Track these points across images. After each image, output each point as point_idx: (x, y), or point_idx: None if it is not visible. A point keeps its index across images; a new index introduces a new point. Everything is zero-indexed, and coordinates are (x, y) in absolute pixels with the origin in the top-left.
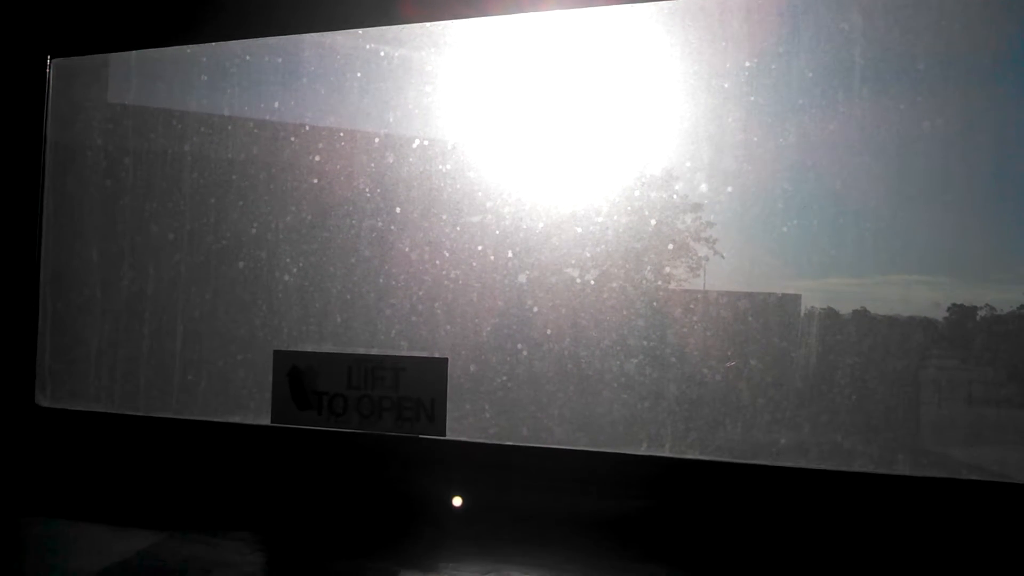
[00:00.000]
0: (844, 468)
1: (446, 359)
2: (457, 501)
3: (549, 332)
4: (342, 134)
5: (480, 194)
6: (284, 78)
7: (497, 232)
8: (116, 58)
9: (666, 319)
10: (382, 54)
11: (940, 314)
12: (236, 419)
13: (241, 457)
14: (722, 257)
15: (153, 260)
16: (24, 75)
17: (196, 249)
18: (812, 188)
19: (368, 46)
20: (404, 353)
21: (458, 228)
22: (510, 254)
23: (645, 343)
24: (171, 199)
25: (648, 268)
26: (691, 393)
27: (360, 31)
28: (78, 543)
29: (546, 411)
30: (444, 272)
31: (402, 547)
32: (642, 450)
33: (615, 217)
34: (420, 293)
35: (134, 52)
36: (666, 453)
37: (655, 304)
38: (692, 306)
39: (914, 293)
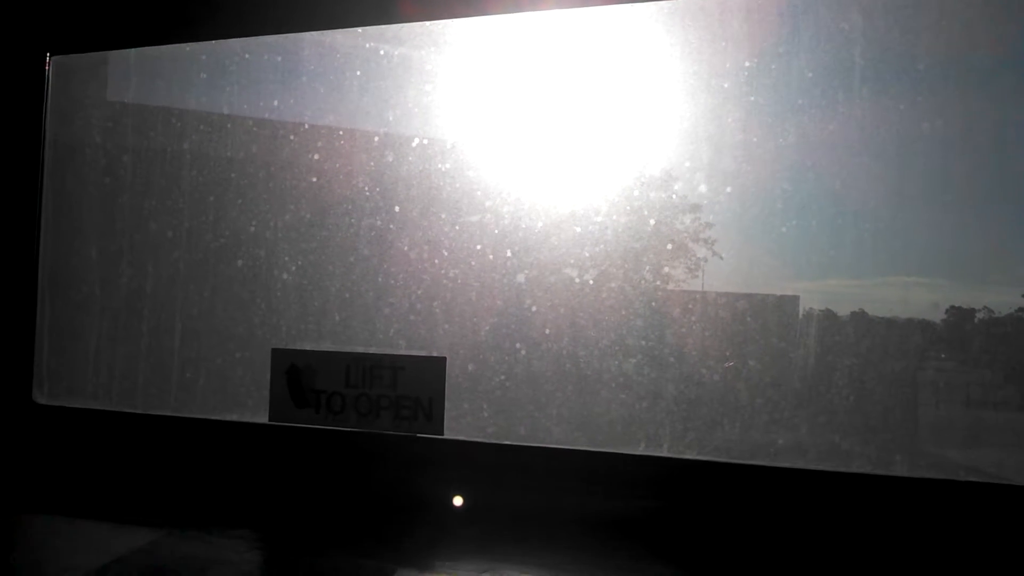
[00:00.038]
0: (842, 469)
1: (444, 358)
2: (458, 501)
3: (548, 332)
4: (341, 133)
5: (479, 193)
6: (283, 76)
7: (496, 231)
8: (115, 56)
9: (665, 319)
10: (382, 53)
11: (938, 316)
12: (234, 417)
13: (239, 455)
14: (721, 258)
15: (152, 258)
16: (23, 72)
17: (195, 247)
18: (811, 189)
19: (368, 45)
20: (402, 352)
21: (457, 227)
22: (509, 253)
23: (643, 343)
24: (170, 197)
25: (647, 268)
26: (689, 393)
27: (360, 30)
28: (76, 540)
29: (544, 410)
30: (443, 271)
31: (399, 545)
32: (640, 450)
33: (614, 217)
34: (419, 292)
35: (133, 50)
36: (664, 453)
37: (654, 304)
38: (691, 306)
39: (912, 295)
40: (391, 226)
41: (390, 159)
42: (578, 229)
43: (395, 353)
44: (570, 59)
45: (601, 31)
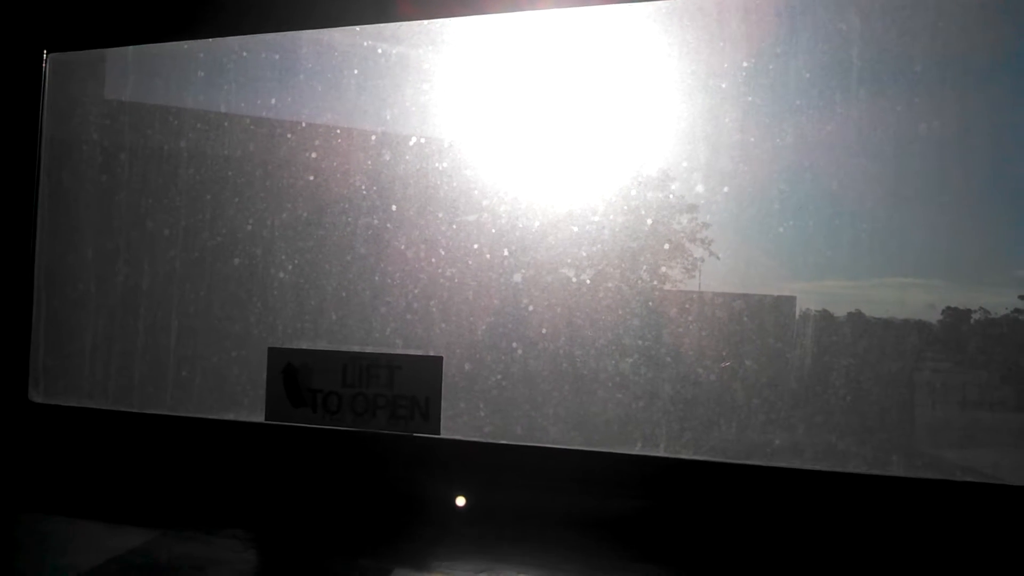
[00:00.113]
0: (838, 469)
1: (441, 357)
2: (460, 501)
3: (544, 331)
4: (339, 131)
5: (476, 192)
6: (281, 75)
7: (493, 231)
8: (113, 53)
9: (661, 319)
10: (379, 51)
11: (935, 316)
12: (230, 416)
13: (235, 454)
14: (718, 258)
15: (148, 256)
16: (20, 70)
17: (191, 245)
18: (808, 189)
19: (365, 43)
20: (399, 351)
21: (454, 226)
22: (506, 252)
23: (640, 343)
24: (167, 195)
25: (644, 268)
26: (686, 393)
27: (358, 28)
28: (72, 540)
29: (541, 410)
30: (440, 270)
31: (396, 545)
32: (637, 450)
33: (611, 217)
34: (415, 291)
35: (131, 47)
36: (661, 453)
37: (650, 304)
38: (687, 306)
39: (909, 295)
40: (388, 225)
41: (387, 158)
42: (575, 229)
43: (392, 352)
44: (568, 58)
45: (599, 31)
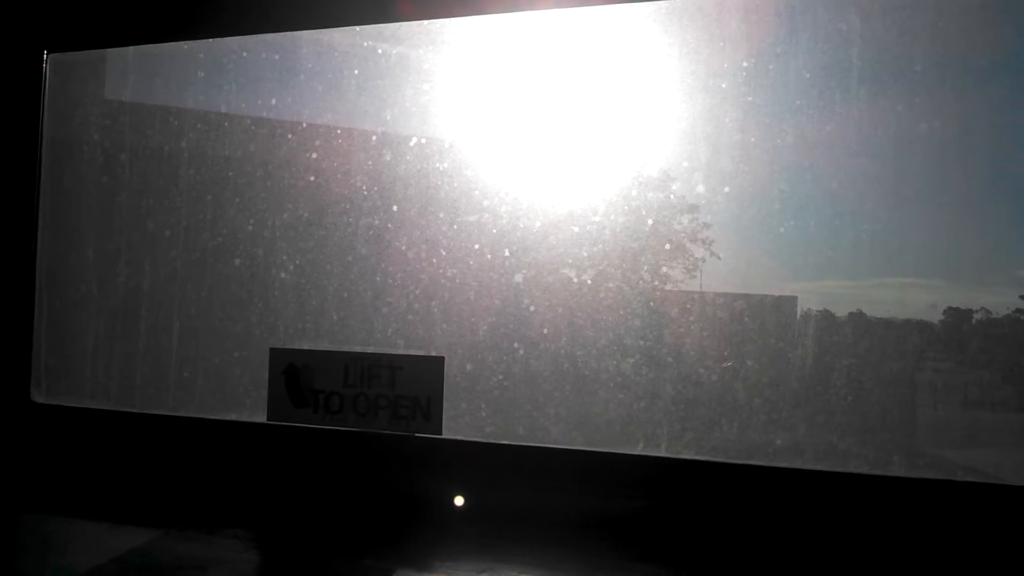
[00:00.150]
0: (839, 469)
1: (442, 358)
2: (460, 500)
3: (546, 331)
4: (339, 132)
5: (477, 193)
6: (281, 75)
7: (494, 231)
8: (113, 54)
9: (663, 319)
10: (380, 52)
11: (936, 316)
12: (232, 416)
13: (237, 455)
14: (718, 258)
15: (149, 257)
16: (20, 70)
17: (192, 246)
18: (809, 189)
19: (366, 44)
20: (400, 351)
21: (455, 227)
22: (507, 253)
23: (641, 343)
24: (167, 196)
25: (645, 268)
26: (687, 393)
27: (358, 28)
28: (74, 540)
29: (542, 410)
30: (441, 271)
31: (398, 545)
32: (638, 450)
33: (612, 217)
34: (417, 291)
35: (131, 48)
36: (662, 453)
37: (652, 304)
38: (688, 307)
39: (910, 295)
40: (389, 225)
41: (388, 158)
42: (576, 229)
43: (393, 353)
44: (568, 59)
45: (599, 31)
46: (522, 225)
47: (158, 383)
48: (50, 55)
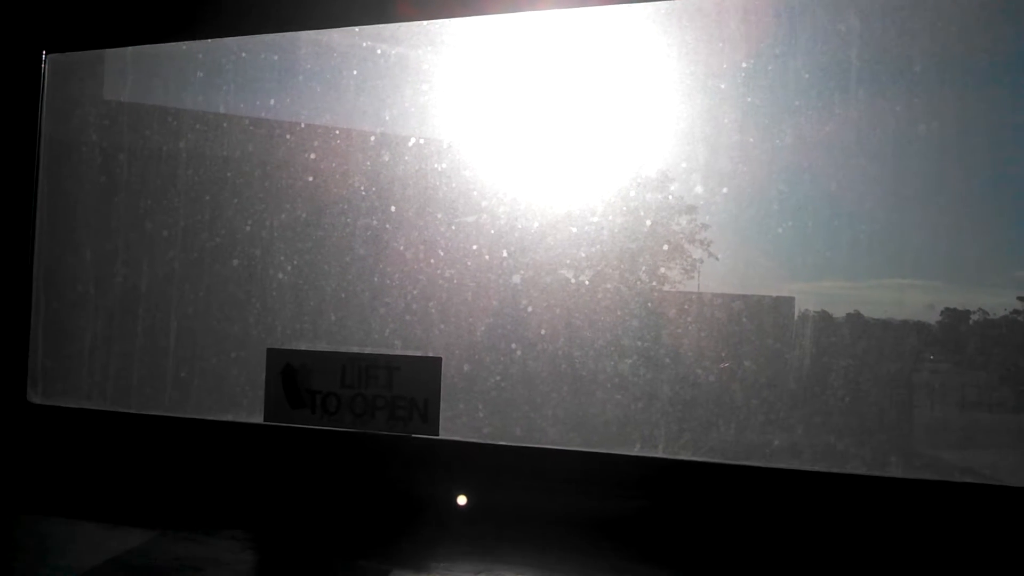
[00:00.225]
0: (837, 470)
1: (440, 358)
2: (461, 500)
3: (543, 332)
4: (338, 132)
5: (475, 193)
6: (280, 75)
7: (492, 232)
8: (112, 54)
9: (660, 320)
10: (379, 52)
11: (933, 317)
12: (229, 417)
13: (234, 455)
14: (717, 259)
15: (147, 257)
16: (19, 70)
17: (190, 246)
18: (807, 190)
19: (365, 44)
20: (398, 352)
21: (453, 227)
22: (505, 254)
23: (639, 344)
24: (166, 196)
25: (643, 269)
26: (685, 394)
27: (357, 29)
28: (71, 541)
29: (540, 411)
30: (439, 271)
31: (395, 546)
32: (635, 451)
33: (610, 218)
34: (414, 292)
35: (130, 48)
36: (659, 454)
37: (650, 305)
38: (686, 307)
39: (908, 296)
40: (387, 226)
41: (386, 159)
42: (574, 230)
43: (391, 353)
44: (567, 59)
45: (598, 31)
46: (520, 226)
47: (155, 384)
48: (49, 55)
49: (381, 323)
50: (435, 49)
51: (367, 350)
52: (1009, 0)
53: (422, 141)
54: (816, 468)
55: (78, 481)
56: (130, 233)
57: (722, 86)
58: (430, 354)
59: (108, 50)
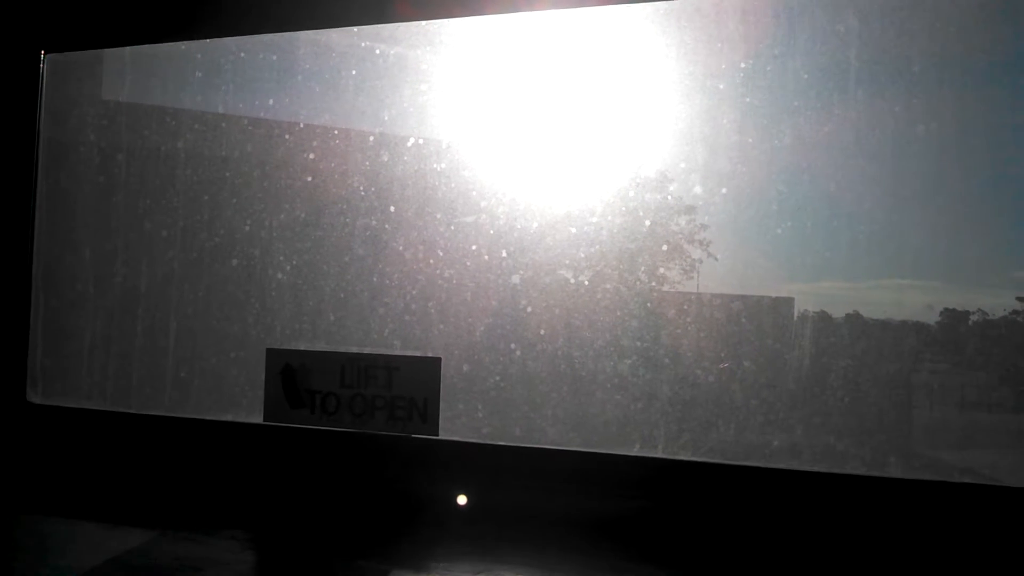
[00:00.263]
0: (836, 470)
1: (439, 358)
2: (461, 500)
3: (543, 332)
4: (337, 132)
5: (475, 193)
6: (279, 75)
7: (491, 232)
8: (110, 54)
9: (660, 320)
10: (377, 52)
11: (933, 318)
12: (228, 417)
13: (233, 455)
14: (716, 259)
15: (146, 257)
16: (17, 70)
17: (189, 246)
18: (806, 191)
19: (363, 44)
20: (397, 352)
21: (452, 227)
22: (504, 254)
23: (639, 344)
24: (165, 196)
25: (642, 269)
26: (684, 394)
27: (356, 29)
28: (70, 541)
29: (539, 411)
30: (438, 271)
31: (394, 546)
32: (635, 451)
33: (609, 218)
34: (414, 292)
35: (128, 48)
36: (659, 454)
37: (649, 305)
38: (686, 308)
39: (907, 297)
40: (386, 226)
41: (385, 159)
42: (573, 230)
43: (390, 353)
44: (566, 60)
45: (597, 32)
46: (519, 226)
47: (154, 384)
48: (47, 55)
49: (380, 323)
50: (434, 49)
51: (366, 350)
52: (1008, 0)
53: (421, 141)
54: (816, 469)
55: (78, 481)
56: (129, 233)
57: (721, 86)
58: (429, 354)
59: (107, 50)
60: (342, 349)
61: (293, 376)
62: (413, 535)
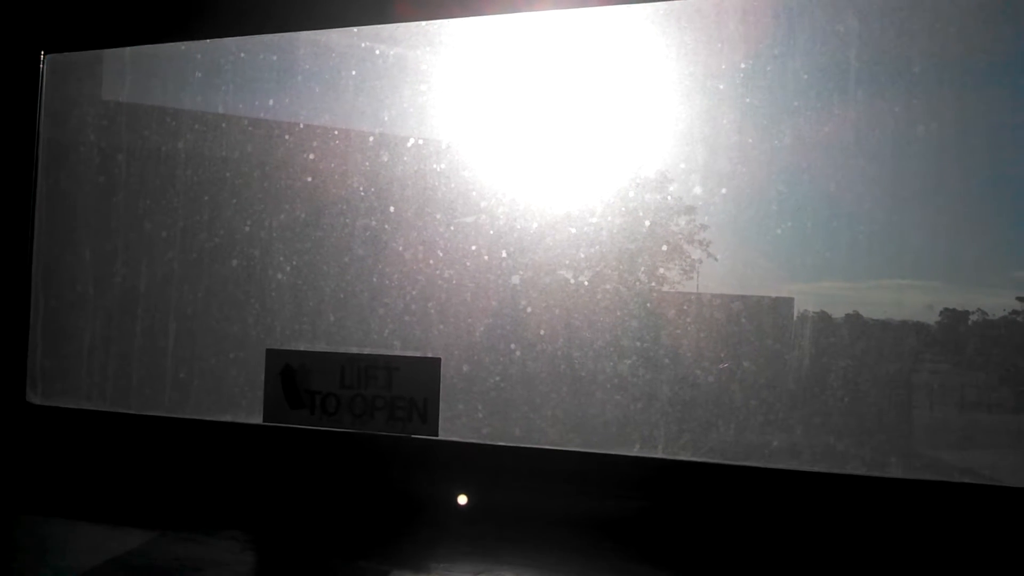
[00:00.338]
0: (836, 471)
1: (439, 359)
2: (461, 500)
3: (543, 333)
4: (336, 132)
5: (474, 194)
6: (279, 76)
7: (491, 232)
8: (110, 54)
9: (660, 321)
10: (377, 53)
11: (932, 318)
12: (228, 418)
13: (233, 456)
14: (716, 259)
15: (146, 257)
16: (17, 70)
17: (189, 247)
18: (806, 191)
19: (363, 44)
20: (397, 352)
21: (452, 228)
22: (504, 254)
23: (638, 344)
24: (164, 196)
25: (642, 270)
26: (684, 395)
27: (355, 29)
28: (70, 542)
29: (539, 412)
30: (438, 272)
31: (394, 546)
32: (635, 451)
33: (609, 218)
34: (413, 292)
35: (128, 48)
36: (659, 455)
37: (649, 305)
38: (686, 308)
39: (907, 297)
40: (386, 226)
41: (385, 159)
42: (573, 230)
43: (390, 354)
44: (566, 60)
45: (597, 32)
46: (519, 226)
47: (154, 384)
48: (47, 55)
49: (380, 323)
50: (434, 50)
51: (366, 350)
52: (1008, 0)
53: (421, 141)
54: (816, 469)
55: (78, 482)
56: (129, 233)
57: (721, 87)
58: (429, 355)
59: (106, 50)
60: (342, 349)
61: (293, 377)
62: (413, 535)
